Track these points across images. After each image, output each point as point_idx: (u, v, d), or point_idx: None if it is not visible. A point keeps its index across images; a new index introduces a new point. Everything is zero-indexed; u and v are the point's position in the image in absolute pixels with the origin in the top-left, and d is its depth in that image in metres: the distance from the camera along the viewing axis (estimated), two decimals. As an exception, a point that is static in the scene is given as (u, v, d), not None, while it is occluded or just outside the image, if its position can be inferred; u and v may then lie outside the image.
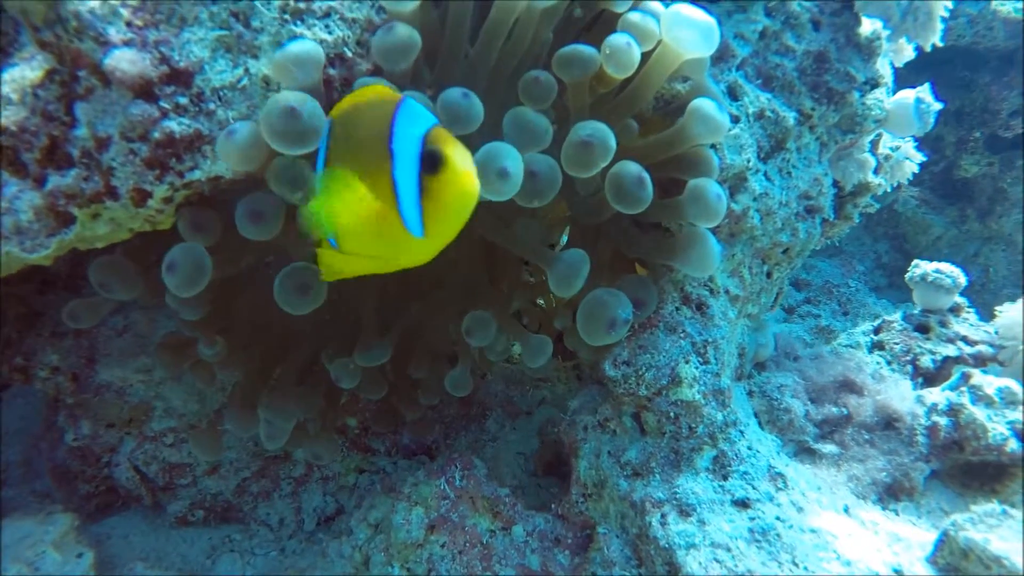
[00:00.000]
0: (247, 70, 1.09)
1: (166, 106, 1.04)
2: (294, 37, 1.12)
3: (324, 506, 2.12)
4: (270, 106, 1.04)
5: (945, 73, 3.86)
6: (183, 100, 1.05)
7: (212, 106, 1.06)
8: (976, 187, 4.15)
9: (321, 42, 1.14)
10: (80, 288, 1.86)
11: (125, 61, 0.97)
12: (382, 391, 1.69)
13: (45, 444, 2.03)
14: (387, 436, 2.18)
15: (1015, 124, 3.85)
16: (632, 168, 1.24)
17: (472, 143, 1.04)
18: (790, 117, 1.52)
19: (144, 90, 1.01)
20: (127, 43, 0.99)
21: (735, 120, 1.45)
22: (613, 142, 1.21)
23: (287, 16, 1.11)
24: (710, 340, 1.43)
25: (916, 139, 1.90)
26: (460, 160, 0.93)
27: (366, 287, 1.65)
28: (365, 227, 0.98)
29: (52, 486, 2.02)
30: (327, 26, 1.14)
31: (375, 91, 1.06)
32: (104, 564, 1.82)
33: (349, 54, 1.19)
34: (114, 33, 0.98)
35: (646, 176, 1.24)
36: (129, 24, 0.99)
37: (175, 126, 1.04)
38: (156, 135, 1.03)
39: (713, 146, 1.41)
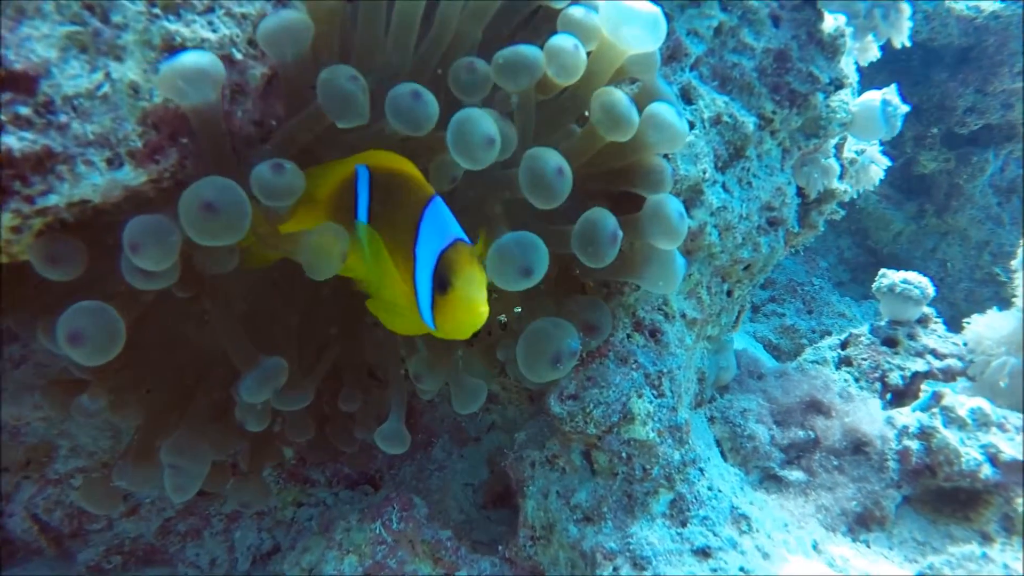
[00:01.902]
0: (108, 75, 0.90)
1: (1, 118, 0.85)
2: (178, 48, 0.94)
3: (260, 543, 1.97)
4: (187, 200, 0.95)
5: (902, 69, 3.84)
6: (24, 110, 0.86)
7: (64, 118, 0.88)
8: (934, 183, 4.18)
9: (203, 41, 0.96)
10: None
11: (-60, 63, 0.78)
12: (309, 433, 1.51)
13: (-67, 491, 1.81)
14: (327, 465, 2.01)
15: (970, 121, 3.86)
16: (609, 222, 1.11)
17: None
18: (750, 122, 1.38)
19: (-29, 98, 0.83)
20: (-57, 41, 0.80)
21: (689, 126, 1.31)
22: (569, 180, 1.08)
23: (157, 10, 0.92)
24: (665, 371, 1.29)
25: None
26: (465, 288, 1.00)
27: (287, 310, 1.47)
28: (396, 299, 1.09)
29: (-62, 539, 1.80)
30: (210, 23, 0.96)
31: (408, 172, 1.09)
32: (0, 627, 1.62)
33: (239, 56, 1.01)
34: (-74, 29, 0.80)
35: (620, 234, 1.12)
36: (-54, 17, 0.81)
37: (15, 142, 0.85)
38: (-12, 154, 0.84)
39: (665, 155, 1.27)
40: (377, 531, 1.55)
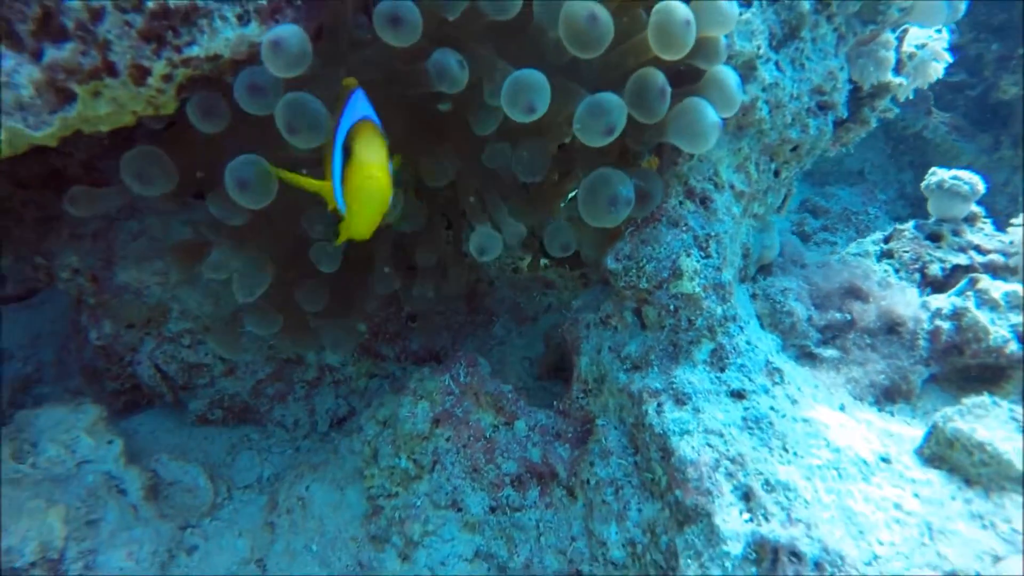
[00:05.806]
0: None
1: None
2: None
3: (336, 408, 2.16)
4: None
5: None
6: (175, -33, 1.03)
7: (206, -25, 1.04)
8: (1012, 111, 3.98)
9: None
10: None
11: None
12: (393, 286, 1.71)
13: (73, 344, 2.11)
14: (397, 342, 2.21)
15: (1065, 37, 3.64)
16: (657, 78, 1.21)
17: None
18: (806, 2, 1.45)
19: (134, -44, 0.99)
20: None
21: (747, 3, 1.39)
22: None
23: None
24: (712, 234, 1.42)
25: (951, 49, 1.79)
26: (364, 154, 1.07)
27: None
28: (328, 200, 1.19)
29: (82, 384, 2.11)
30: None
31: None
32: (132, 454, 1.90)
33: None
34: None
35: (668, 89, 1.23)
36: None
37: (169, -4, 1.03)
38: (150, 4, 1.01)
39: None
40: (447, 382, 1.71)
